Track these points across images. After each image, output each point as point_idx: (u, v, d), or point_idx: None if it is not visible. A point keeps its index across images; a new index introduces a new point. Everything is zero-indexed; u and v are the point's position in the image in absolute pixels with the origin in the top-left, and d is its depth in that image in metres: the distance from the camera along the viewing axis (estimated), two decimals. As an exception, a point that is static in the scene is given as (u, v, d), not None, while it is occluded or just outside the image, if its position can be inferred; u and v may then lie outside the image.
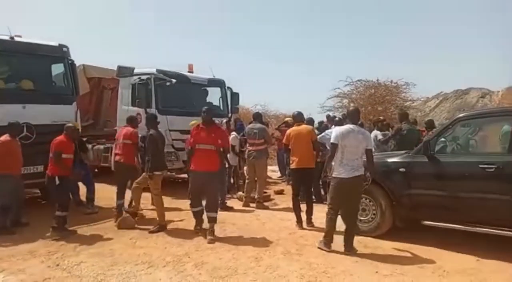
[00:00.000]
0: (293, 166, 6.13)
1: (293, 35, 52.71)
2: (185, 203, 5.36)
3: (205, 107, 5.57)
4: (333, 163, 4.70)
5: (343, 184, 4.58)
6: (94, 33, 50.68)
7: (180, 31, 54.21)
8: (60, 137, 5.51)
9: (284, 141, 6.35)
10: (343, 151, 4.56)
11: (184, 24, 55.95)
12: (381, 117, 9.42)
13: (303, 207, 6.02)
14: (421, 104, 20.75)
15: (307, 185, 6.26)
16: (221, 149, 5.56)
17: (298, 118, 6.48)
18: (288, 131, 6.31)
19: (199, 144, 5.34)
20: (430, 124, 8.74)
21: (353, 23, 51.35)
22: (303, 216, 5.98)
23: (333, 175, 4.65)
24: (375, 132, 7.98)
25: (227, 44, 53.28)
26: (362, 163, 4.65)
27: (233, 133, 8.18)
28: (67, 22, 50.30)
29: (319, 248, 4.82)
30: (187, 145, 5.68)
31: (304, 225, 5.92)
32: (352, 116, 4.94)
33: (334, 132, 4.78)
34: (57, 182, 5.37)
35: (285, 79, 47.17)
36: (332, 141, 4.68)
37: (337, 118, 8.51)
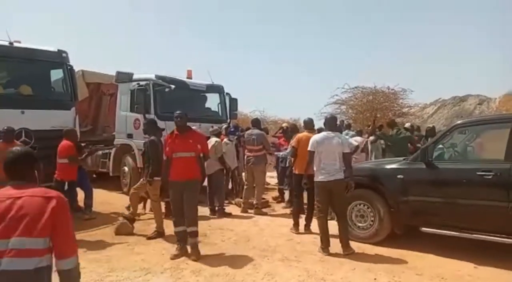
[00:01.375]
0: (298, 170, 6.10)
1: (292, 37, 52.87)
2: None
3: (178, 112, 4.99)
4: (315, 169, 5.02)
5: (322, 187, 4.93)
6: (94, 34, 50.77)
7: (180, 32, 54.28)
8: (66, 143, 5.53)
9: (293, 143, 6.29)
10: (320, 157, 4.92)
11: (184, 25, 56.09)
12: (379, 124, 9.49)
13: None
14: (419, 110, 20.86)
15: (310, 191, 6.23)
16: (201, 155, 5.09)
17: (310, 125, 6.53)
18: (300, 135, 6.21)
19: (176, 152, 4.86)
20: (431, 133, 8.64)
21: (352, 24, 51.57)
22: (302, 222, 6.01)
23: (314, 180, 5.01)
24: (371, 137, 8.13)
25: (227, 45, 53.41)
26: (341, 168, 4.93)
27: (226, 141, 8.03)
28: (67, 22, 50.33)
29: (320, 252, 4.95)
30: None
31: (301, 229, 5.98)
32: (329, 123, 5.23)
33: (310, 140, 5.12)
34: (66, 187, 5.41)
35: (284, 80, 47.29)
36: (308, 148, 5.04)
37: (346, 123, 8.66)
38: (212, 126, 8.03)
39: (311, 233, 5.85)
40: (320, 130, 7.82)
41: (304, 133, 6.24)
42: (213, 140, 7.37)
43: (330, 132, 5.02)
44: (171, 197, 4.99)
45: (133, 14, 49.68)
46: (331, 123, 5.23)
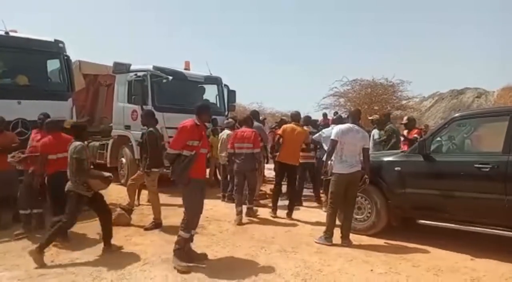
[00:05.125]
0: (280, 159, 6.39)
1: (291, 34, 52.93)
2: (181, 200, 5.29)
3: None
4: (330, 162, 4.94)
5: (343, 180, 4.85)
6: (93, 34, 50.48)
7: (179, 31, 54.07)
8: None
9: (279, 131, 6.53)
10: (343, 147, 4.85)
11: (183, 24, 55.88)
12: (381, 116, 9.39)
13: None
14: (417, 103, 20.86)
15: (292, 180, 6.56)
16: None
17: (296, 117, 6.68)
18: (285, 126, 6.48)
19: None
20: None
21: (351, 23, 51.55)
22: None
23: (333, 171, 4.91)
24: (374, 131, 7.99)
25: (226, 43, 53.33)
26: (360, 160, 4.92)
27: (227, 131, 7.81)
28: (67, 22, 49.98)
29: (318, 243, 4.95)
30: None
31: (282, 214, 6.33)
32: (353, 116, 5.25)
33: (334, 129, 5.08)
34: None
35: (282, 76, 47.46)
36: (332, 137, 4.95)
37: (337, 115, 8.64)
38: (228, 118, 8.08)
39: (292, 219, 6.16)
40: (306, 120, 7.77)
41: (290, 125, 6.42)
42: (225, 132, 7.66)
43: (353, 125, 5.00)
44: (198, 201, 4.32)
45: (133, 14, 49.49)
46: (355, 116, 5.23)
